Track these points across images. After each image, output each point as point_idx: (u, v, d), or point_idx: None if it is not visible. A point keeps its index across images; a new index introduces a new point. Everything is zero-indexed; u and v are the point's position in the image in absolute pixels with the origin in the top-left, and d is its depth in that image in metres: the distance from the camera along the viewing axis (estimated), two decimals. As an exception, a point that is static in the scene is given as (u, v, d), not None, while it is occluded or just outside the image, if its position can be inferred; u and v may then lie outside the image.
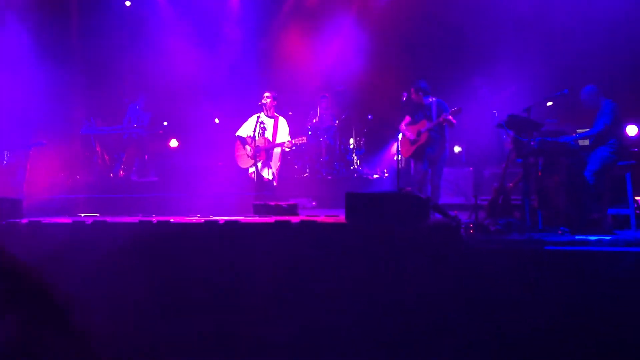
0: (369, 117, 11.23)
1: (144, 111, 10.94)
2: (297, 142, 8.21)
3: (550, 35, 9.63)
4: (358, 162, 11.18)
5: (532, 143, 6.31)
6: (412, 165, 8.30)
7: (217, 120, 11.50)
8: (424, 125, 7.68)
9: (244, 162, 8.37)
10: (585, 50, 9.16)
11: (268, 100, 8.30)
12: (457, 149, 10.44)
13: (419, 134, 7.68)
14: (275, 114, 8.42)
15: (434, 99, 7.78)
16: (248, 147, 8.29)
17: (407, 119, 7.94)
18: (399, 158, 7.94)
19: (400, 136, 7.89)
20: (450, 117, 7.45)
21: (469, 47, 10.35)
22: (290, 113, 9.57)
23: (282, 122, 8.38)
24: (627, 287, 4.42)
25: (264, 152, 8.21)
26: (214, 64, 11.28)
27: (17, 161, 8.93)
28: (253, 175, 8.21)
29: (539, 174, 6.53)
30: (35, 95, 9.20)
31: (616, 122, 6.67)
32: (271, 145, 8.23)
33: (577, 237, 5.42)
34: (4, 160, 8.86)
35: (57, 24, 11.10)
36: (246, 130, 8.39)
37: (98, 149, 10.77)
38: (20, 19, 9.39)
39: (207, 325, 4.91)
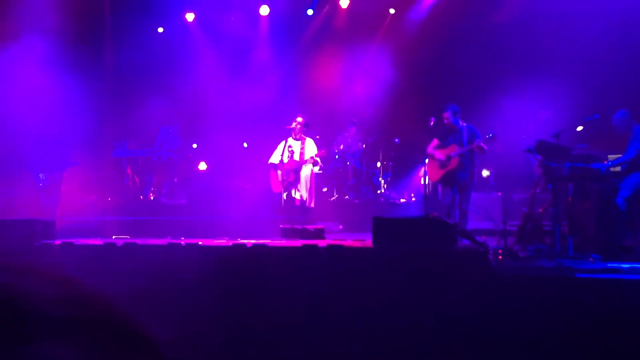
0: (396, 140, 11.23)
1: (177, 135, 11.14)
2: (320, 155, 8.34)
3: (581, 59, 9.56)
4: (385, 186, 11.17)
5: (562, 169, 6.25)
6: (440, 189, 8.24)
7: (245, 145, 11.64)
8: (454, 149, 7.60)
9: (277, 187, 8.51)
10: (617, 75, 9.07)
11: (298, 126, 8.44)
12: (485, 173, 10.35)
13: (448, 158, 7.61)
14: (303, 136, 8.55)
15: (465, 124, 7.74)
16: (279, 172, 8.46)
17: (435, 142, 7.87)
18: (427, 182, 7.89)
19: (427, 160, 7.84)
20: (483, 144, 7.41)
21: (496, 71, 10.33)
22: (317, 137, 9.66)
23: (309, 142, 8.52)
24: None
25: (292, 173, 8.33)
26: (243, 87, 11.45)
27: (52, 182, 9.14)
28: (284, 198, 8.31)
29: (569, 199, 6.44)
30: (70, 117, 9.44)
31: (649, 147, 6.58)
32: (298, 165, 8.34)
33: (608, 265, 5.32)
34: (40, 181, 9.08)
35: (90, 49, 11.42)
36: (277, 156, 8.55)
37: (129, 171, 10.97)
38: (54, 44, 9.67)
39: (233, 347, 4.93)
